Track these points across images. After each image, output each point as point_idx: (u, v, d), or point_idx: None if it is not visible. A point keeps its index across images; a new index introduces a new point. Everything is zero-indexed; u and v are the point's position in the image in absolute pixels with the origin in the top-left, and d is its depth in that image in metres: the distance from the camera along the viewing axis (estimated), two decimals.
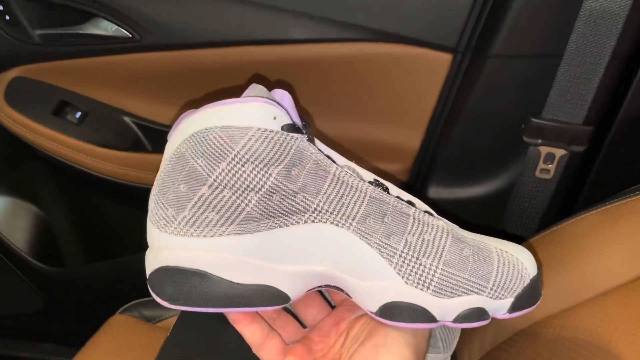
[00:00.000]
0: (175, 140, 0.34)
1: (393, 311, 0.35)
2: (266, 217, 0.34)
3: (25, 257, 0.94)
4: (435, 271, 0.35)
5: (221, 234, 0.34)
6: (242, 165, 0.33)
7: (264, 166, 0.33)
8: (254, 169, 0.33)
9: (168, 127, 0.80)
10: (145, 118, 0.80)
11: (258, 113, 0.33)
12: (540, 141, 0.67)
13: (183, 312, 0.62)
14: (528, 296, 0.36)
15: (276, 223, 0.34)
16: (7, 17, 0.75)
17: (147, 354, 0.66)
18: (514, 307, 0.36)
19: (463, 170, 0.76)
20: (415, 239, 0.35)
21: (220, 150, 0.33)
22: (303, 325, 0.43)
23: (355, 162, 0.37)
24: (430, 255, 0.35)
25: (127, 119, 0.80)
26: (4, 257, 0.95)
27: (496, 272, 0.35)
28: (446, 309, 0.35)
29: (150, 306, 0.74)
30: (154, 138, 0.80)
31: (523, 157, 0.70)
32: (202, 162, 0.33)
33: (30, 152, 0.81)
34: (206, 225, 0.34)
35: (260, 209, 0.33)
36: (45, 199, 0.95)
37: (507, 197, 0.73)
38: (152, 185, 0.36)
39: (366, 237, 0.34)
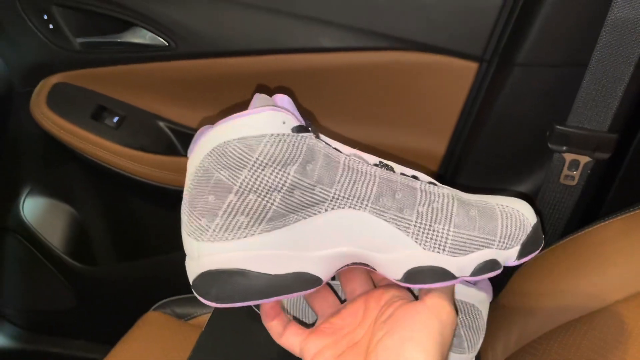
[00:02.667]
0: (197, 156, 0.37)
1: (417, 275, 0.38)
2: (291, 212, 0.37)
3: (61, 255, 0.97)
4: (447, 234, 0.38)
5: (253, 234, 0.37)
6: (262, 170, 0.36)
7: (282, 167, 0.36)
8: (273, 171, 0.36)
9: None
10: (179, 123, 0.82)
11: (269, 120, 0.36)
12: (565, 148, 0.67)
13: (216, 309, 0.64)
14: (532, 242, 0.40)
15: (300, 216, 0.37)
16: (51, 26, 0.78)
17: (179, 350, 0.69)
18: (521, 254, 0.40)
19: (488, 176, 0.76)
20: (426, 209, 0.38)
21: (240, 159, 0.36)
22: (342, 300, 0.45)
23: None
24: (441, 221, 0.38)
25: (161, 123, 0.82)
26: (40, 255, 0.98)
27: (501, 225, 0.39)
28: (463, 265, 0.38)
29: (182, 304, 0.76)
30: (187, 142, 0.82)
31: (548, 164, 0.70)
32: (225, 173, 0.36)
33: (69, 155, 0.84)
34: (238, 228, 0.36)
35: (284, 206, 0.36)
36: (81, 199, 0.97)
37: (532, 203, 0.71)
38: (184, 186, 0.38)
39: (382, 215, 0.37)
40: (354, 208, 0.37)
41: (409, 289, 0.43)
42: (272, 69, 0.75)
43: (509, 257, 0.40)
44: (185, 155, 0.82)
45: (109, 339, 0.76)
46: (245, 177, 0.36)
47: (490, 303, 0.56)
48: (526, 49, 0.65)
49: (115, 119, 0.81)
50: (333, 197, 0.37)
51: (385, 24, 0.70)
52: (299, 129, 0.37)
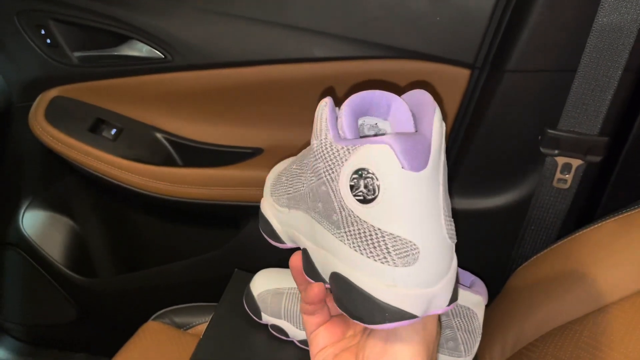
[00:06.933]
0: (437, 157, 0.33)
1: None
2: None
3: (60, 268, 0.97)
4: None
5: None
6: None
7: None
8: None
9: (197, 143, 0.82)
10: (176, 134, 0.83)
11: None
12: (557, 152, 0.68)
13: (214, 317, 0.64)
14: None
15: None
16: (48, 41, 0.79)
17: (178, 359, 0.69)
18: None
19: (483, 181, 0.77)
20: None
21: None
22: None
23: None
24: None
25: (159, 135, 0.82)
26: (40, 268, 0.98)
27: None
28: None
29: (181, 313, 0.77)
30: (184, 153, 0.83)
31: (541, 168, 0.71)
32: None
33: (68, 167, 0.84)
34: None
35: None
36: (80, 212, 0.98)
37: (526, 207, 0.74)
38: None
39: None
40: None
41: None
42: (267, 79, 0.76)
43: None
44: (182, 166, 0.82)
45: (110, 350, 0.76)
46: None
47: (486, 306, 0.57)
48: (516, 56, 0.66)
49: (113, 131, 0.81)
50: None
51: (378, 34, 0.71)
52: None
